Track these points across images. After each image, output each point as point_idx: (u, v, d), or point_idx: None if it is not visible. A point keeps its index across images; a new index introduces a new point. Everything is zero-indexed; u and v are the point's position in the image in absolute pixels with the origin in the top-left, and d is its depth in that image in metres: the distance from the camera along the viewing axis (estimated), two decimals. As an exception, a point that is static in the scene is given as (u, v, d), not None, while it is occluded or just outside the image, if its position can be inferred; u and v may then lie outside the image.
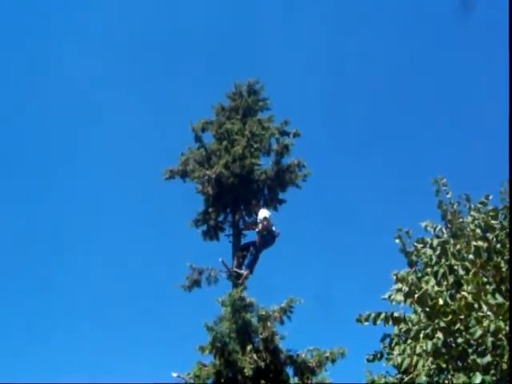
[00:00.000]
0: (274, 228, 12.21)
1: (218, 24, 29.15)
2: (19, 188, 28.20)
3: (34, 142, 28.76)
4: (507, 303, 6.61)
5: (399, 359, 7.15)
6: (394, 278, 7.75)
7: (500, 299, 6.74)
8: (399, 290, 7.73)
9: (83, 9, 27.70)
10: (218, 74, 26.82)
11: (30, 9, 27.98)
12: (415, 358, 7.01)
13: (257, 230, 12.14)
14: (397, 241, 8.37)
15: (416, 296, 7.25)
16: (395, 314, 8.05)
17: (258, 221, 12.15)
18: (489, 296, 6.79)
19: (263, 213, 12.17)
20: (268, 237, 12.08)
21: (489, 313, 6.61)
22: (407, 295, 7.45)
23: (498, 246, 7.73)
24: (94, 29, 28.58)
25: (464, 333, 6.98)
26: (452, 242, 8.04)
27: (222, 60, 28.35)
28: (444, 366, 7.03)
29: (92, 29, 28.46)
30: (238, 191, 12.51)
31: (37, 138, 28.74)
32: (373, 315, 8.12)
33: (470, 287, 7.15)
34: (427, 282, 7.41)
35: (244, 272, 11.71)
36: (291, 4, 27.89)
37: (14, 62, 27.88)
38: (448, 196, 8.65)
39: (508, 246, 7.63)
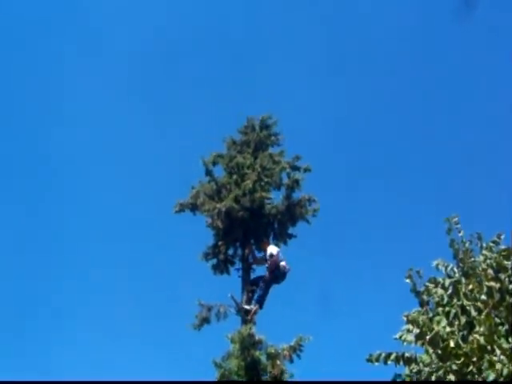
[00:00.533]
0: (284, 263, 12.15)
1: (231, 57, 29.44)
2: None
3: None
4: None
5: (411, 401, 7.03)
6: (405, 319, 7.66)
7: (513, 343, 6.63)
8: (410, 331, 7.64)
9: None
10: (230, 108, 26.96)
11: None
12: (427, 401, 6.89)
13: (267, 265, 12.10)
14: (407, 280, 8.30)
15: (427, 338, 7.15)
16: (406, 355, 7.93)
17: (267, 257, 12.12)
18: (502, 340, 6.68)
19: (271, 249, 12.15)
20: (278, 273, 12.02)
21: (502, 357, 6.49)
22: (418, 337, 7.35)
23: (511, 286, 7.64)
24: (106, 52, 28.93)
25: (476, 376, 6.86)
26: (464, 281, 7.95)
27: (233, 94, 28.57)
28: (456, 409, 6.89)
29: (103, 52, 28.83)
30: (248, 225, 12.50)
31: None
32: (383, 355, 8.01)
33: (482, 328, 7.05)
34: (439, 323, 7.32)
35: (253, 307, 11.63)
36: (302, 37, 28.22)
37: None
38: (460, 235, 8.59)
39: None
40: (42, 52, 27.88)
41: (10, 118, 28.15)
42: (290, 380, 9.84)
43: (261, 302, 11.83)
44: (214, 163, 13.20)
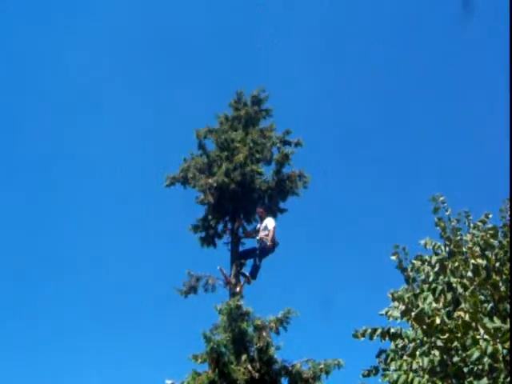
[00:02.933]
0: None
1: (224, 32, 29.24)
2: (17, 189, 28.15)
3: (34, 143, 28.75)
4: (505, 326, 6.61)
5: (395, 375, 7.15)
6: (390, 296, 7.76)
7: (497, 322, 6.73)
8: (396, 307, 7.74)
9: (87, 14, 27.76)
10: (223, 82, 26.89)
11: (31, 5, 27.98)
12: (411, 375, 7.01)
13: (258, 237, 12.14)
14: (393, 257, 8.40)
15: (413, 314, 7.26)
16: (392, 330, 8.06)
17: (262, 227, 12.15)
18: (486, 319, 6.78)
19: (270, 222, 12.16)
20: (270, 245, 12.09)
21: (486, 336, 6.60)
22: (404, 313, 7.46)
23: (497, 264, 7.75)
24: (100, 29, 28.62)
25: (460, 351, 6.99)
26: (450, 259, 8.05)
27: (226, 68, 28.48)
28: (439, 384, 7.02)
29: (98, 29, 28.53)
30: (238, 199, 12.49)
31: (37, 139, 28.71)
32: (369, 331, 8.13)
33: (467, 305, 7.15)
34: (425, 299, 7.42)
35: (245, 279, 11.76)
36: (294, 12, 28.01)
37: (15, 60, 27.92)
38: (447, 213, 8.67)
39: (507, 264, 7.64)
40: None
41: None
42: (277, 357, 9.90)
43: (254, 274, 11.93)
44: (206, 137, 13.13)
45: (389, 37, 28.87)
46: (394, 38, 28.72)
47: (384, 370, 8.23)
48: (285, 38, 28.88)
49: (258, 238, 12.18)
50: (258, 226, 12.43)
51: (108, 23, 28.35)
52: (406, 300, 7.40)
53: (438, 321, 6.98)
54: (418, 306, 7.24)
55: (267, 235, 12.00)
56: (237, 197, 12.39)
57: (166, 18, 29.22)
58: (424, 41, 27.85)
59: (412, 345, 7.70)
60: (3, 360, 24.54)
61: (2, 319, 26.35)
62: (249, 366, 9.42)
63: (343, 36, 28.92)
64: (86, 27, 27.66)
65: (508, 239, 7.92)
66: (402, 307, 7.46)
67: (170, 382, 10.07)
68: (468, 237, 8.47)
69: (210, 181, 12.13)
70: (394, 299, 7.72)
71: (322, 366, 9.95)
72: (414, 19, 27.59)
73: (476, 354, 6.42)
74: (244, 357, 9.57)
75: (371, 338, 8.27)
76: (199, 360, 9.62)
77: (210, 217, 12.62)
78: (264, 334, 9.81)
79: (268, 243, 11.96)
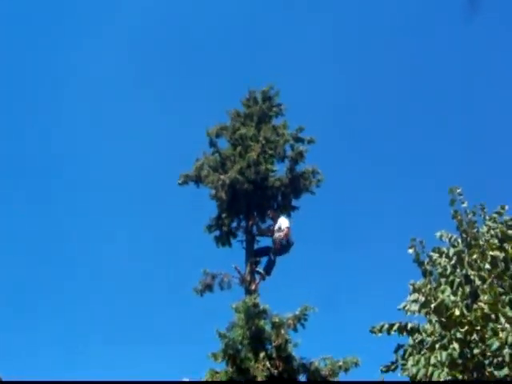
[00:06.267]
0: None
1: (235, 30, 29.27)
2: (22, 190, 28.29)
3: (43, 145, 28.91)
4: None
5: (414, 370, 7.10)
6: (411, 287, 7.71)
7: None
8: (415, 301, 7.69)
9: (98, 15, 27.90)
10: (234, 80, 26.87)
11: (39, 6, 28.13)
12: (430, 369, 6.96)
13: (273, 236, 12.14)
14: (410, 251, 8.33)
15: (432, 306, 7.20)
16: (409, 325, 8.01)
17: (276, 228, 12.14)
18: (507, 308, 6.72)
19: (284, 221, 12.15)
20: (286, 246, 12.10)
21: (506, 325, 6.55)
22: (423, 305, 7.40)
23: (515, 256, 7.67)
24: (112, 27, 28.69)
25: (480, 344, 6.93)
26: (467, 251, 7.99)
27: (237, 65, 28.43)
28: (460, 377, 6.97)
29: (109, 27, 28.61)
30: (251, 197, 12.48)
31: (47, 140, 28.86)
32: (386, 326, 8.09)
33: (486, 297, 7.10)
34: (443, 292, 7.36)
35: (260, 277, 11.79)
36: (305, 11, 27.98)
37: (22, 61, 28.04)
38: (463, 205, 8.59)
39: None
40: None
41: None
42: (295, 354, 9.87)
43: (268, 271, 11.95)
44: (218, 135, 13.14)
45: (397, 34, 28.67)
46: (401, 36, 28.58)
47: (403, 365, 8.18)
48: (295, 34, 28.78)
49: (274, 237, 12.18)
50: (272, 226, 12.41)
51: (119, 21, 28.37)
52: (426, 291, 7.34)
53: (457, 312, 6.92)
54: (437, 297, 7.19)
55: (281, 236, 12.00)
56: (250, 194, 12.38)
57: (175, 17, 29.29)
58: (432, 37, 27.67)
59: (430, 339, 7.64)
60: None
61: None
62: (267, 364, 9.40)
63: (353, 34, 28.81)
64: (99, 25, 27.84)
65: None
66: (422, 299, 7.40)
67: (187, 379, 10.07)
68: (484, 229, 8.40)
69: (223, 177, 12.14)
70: (414, 290, 7.66)
71: (340, 363, 9.91)
72: (423, 16, 27.43)
73: (496, 345, 6.38)
74: (262, 354, 9.53)
75: (388, 333, 8.23)
76: (219, 359, 9.60)
77: (223, 215, 12.62)
78: (282, 331, 9.78)
79: (283, 242, 11.96)
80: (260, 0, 29.48)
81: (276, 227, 12.19)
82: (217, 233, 12.73)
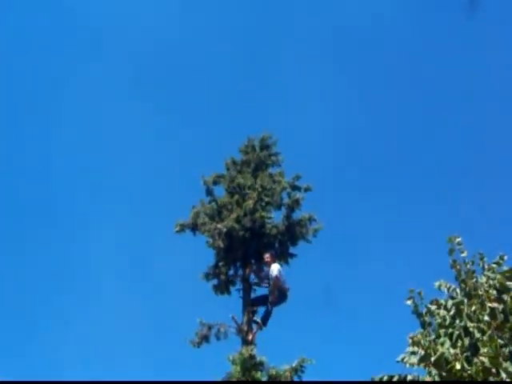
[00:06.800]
0: (285, 284, 12.12)
1: (232, 77, 29.60)
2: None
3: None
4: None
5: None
6: (410, 341, 7.60)
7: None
8: (413, 353, 7.56)
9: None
10: (230, 129, 27.12)
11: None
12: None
13: (267, 286, 12.06)
14: (408, 302, 8.24)
15: (432, 359, 7.09)
16: (409, 377, 7.86)
17: (270, 275, 12.05)
18: (508, 363, 6.62)
19: (274, 269, 12.06)
20: (280, 294, 11.99)
21: (507, 380, 6.43)
22: (422, 359, 7.28)
23: (514, 307, 7.59)
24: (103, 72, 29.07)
25: (481, 398, 6.79)
26: (466, 302, 7.90)
27: (233, 115, 28.72)
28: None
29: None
30: (248, 245, 12.47)
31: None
32: (386, 377, 7.94)
33: (486, 350, 6.99)
34: (443, 345, 7.26)
35: (257, 326, 11.64)
36: (303, 57, 28.40)
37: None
38: (463, 255, 8.54)
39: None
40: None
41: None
42: None
43: (265, 320, 11.81)
44: (215, 183, 13.24)
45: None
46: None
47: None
48: (293, 78, 29.09)
49: (268, 286, 12.10)
50: (268, 272, 12.33)
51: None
52: (425, 344, 7.24)
53: (458, 366, 6.80)
54: (437, 350, 7.08)
55: (271, 287, 11.93)
56: (247, 242, 12.37)
57: (173, 57, 29.56)
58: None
59: (431, 392, 7.49)
60: None
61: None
62: (263, 417, 9.23)
63: (353, 77, 29.08)
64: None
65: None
66: (421, 352, 7.29)
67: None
68: (483, 279, 8.33)
69: (220, 226, 12.15)
70: (413, 343, 7.55)
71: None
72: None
73: (497, 400, 6.26)
74: (259, 407, 9.38)
75: (388, 385, 8.07)
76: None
77: (220, 263, 12.59)
78: (279, 384, 9.65)
79: (270, 297, 11.88)
80: (258, 44, 29.74)
81: (270, 274, 12.10)
82: (215, 281, 12.67)
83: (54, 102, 27.65)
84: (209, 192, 13.08)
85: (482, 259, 8.72)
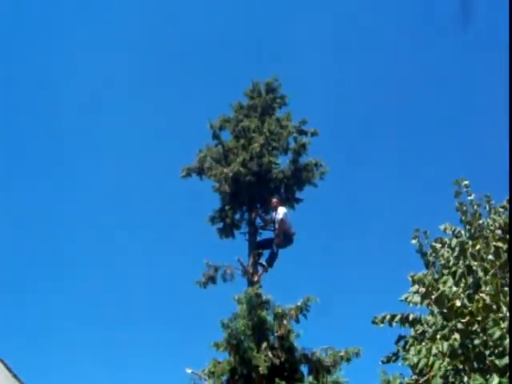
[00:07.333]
0: (291, 228, 12.21)
1: (236, 21, 29.19)
2: (26, 188, 28.37)
3: (45, 141, 28.94)
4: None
5: (415, 359, 7.11)
6: (411, 279, 7.72)
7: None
8: (416, 292, 7.70)
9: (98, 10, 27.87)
10: (237, 72, 26.88)
11: (41, 4, 28.10)
12: (431, 359, 6.97)
13: (273, 229, 12.15)
14: (413, 241, 8.35)
15: (433, 297, 7.21)
16: (411, 316, 8.03)
17: (276, 219, 12.12)
18: (508, 299, 6.73)
19: (280, 212, 12.11)
20: (286, 237, 12.09)
21: (508, 314, 6.55)
22: (424, 297, 7.42)
23: (519, 247, 7.65)
24: (109, 24, 28.74)
25: (481, 334, 6.94)
26: (471, 243, 7.98)
27: (239, 57, 28.48)
28: (461, 367, 6.99)
29: (107, 24, 28.66)
30: (254, 189, 12.48)
31: (49, 135, 28.88)
32: (388, 317, 8.12)
33: (488, 288, 7.10)
34: (445, 283, 7.37)
35: (263, 269, 11.77)
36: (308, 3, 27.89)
37: (24, 60, 28.08)
38: (469, 198, 8.58)
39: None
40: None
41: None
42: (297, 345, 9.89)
43: (271, 262, 11.95)
44: (221, 127, 13.15)
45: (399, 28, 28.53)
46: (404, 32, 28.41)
47: (404, 355, 8.19)
48: (297, 24, 28.66)
49: (274, 229, 12.18)
50: (274, 216, 12.39)
51: (119, 16, 28.38)
52: (427, 283, 7.36)
53: (458, 303, 6.93)
54: (438, 288, 7.20)
55: (278, 230, 12.00)
56: (253, 187, 12.38)
57: (177, 10, 29.19)
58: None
59: (432, 330, 7.65)
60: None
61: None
62: (269, 354, 9.43)
63: (354, 29, 28.66)
64: (98, 26, 27.79)
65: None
66: (423, 290, 7.42)
67: (190, 371, 10.09)
68: (489, 221, 8.40)
69: (226, 170, 12.14)
70: (413, 282, 7.68)
71: (342, 353, 9.92)
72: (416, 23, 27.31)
73: (497, 334, 6.38)
74: (264, 344, 9.57)
75: (390, 324, 8.26)
76: (221, 348, 9.62)
77: (226, 207, 12.64)
78: (284, 321, 9.81)
79: (276, 240, 11.96)
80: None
81: (276, 218, 12.16)
82: (220, 225, 12.75)
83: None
84: (215, 136, 13.01)
85: (488, 202, 8.77)
